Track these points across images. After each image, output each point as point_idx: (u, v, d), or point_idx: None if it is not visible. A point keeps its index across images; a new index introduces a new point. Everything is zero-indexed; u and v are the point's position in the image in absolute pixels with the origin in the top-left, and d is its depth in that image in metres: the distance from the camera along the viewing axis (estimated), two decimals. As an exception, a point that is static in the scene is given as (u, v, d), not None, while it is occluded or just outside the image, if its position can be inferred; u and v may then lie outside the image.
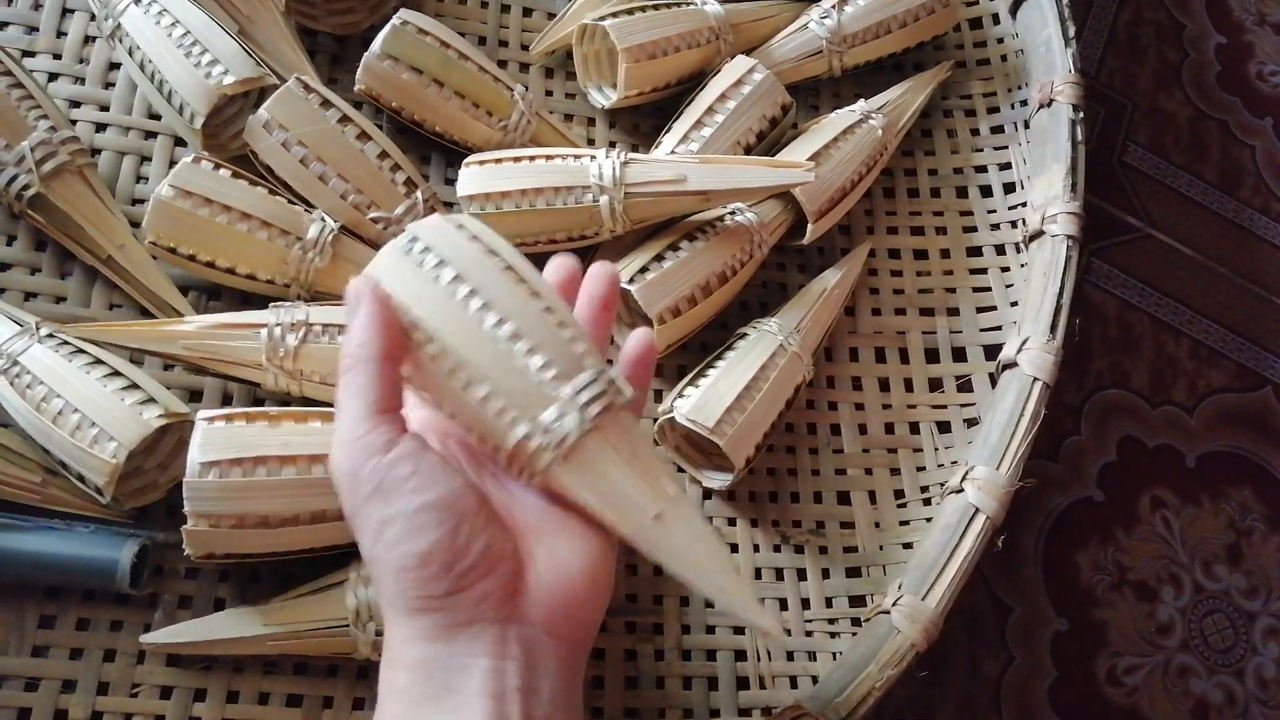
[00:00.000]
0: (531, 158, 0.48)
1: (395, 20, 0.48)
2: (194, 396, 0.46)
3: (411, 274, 0.30)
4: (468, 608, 0.29)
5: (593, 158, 0.47)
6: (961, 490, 0.46)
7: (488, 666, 0.29)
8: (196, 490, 0.38)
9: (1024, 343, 0.49)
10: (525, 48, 0.55)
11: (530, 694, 0.29)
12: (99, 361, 0.42)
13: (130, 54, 0.47)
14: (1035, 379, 0.48)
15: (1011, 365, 0.49)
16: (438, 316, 0.30)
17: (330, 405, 0.43)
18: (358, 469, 0.29)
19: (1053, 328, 0.49)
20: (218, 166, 0.45)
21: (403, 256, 0.31)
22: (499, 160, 0.48)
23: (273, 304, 0.44)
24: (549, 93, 0.55)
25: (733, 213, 0.49)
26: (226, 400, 0.46)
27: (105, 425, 0.40)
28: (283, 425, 0.40)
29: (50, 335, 0.42)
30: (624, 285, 0.45)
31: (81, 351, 0.42)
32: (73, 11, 0.51)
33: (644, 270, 0.46)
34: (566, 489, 0.30)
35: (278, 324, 0.43)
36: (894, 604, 0.44)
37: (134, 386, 0.41)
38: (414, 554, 0.28)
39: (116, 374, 0.42)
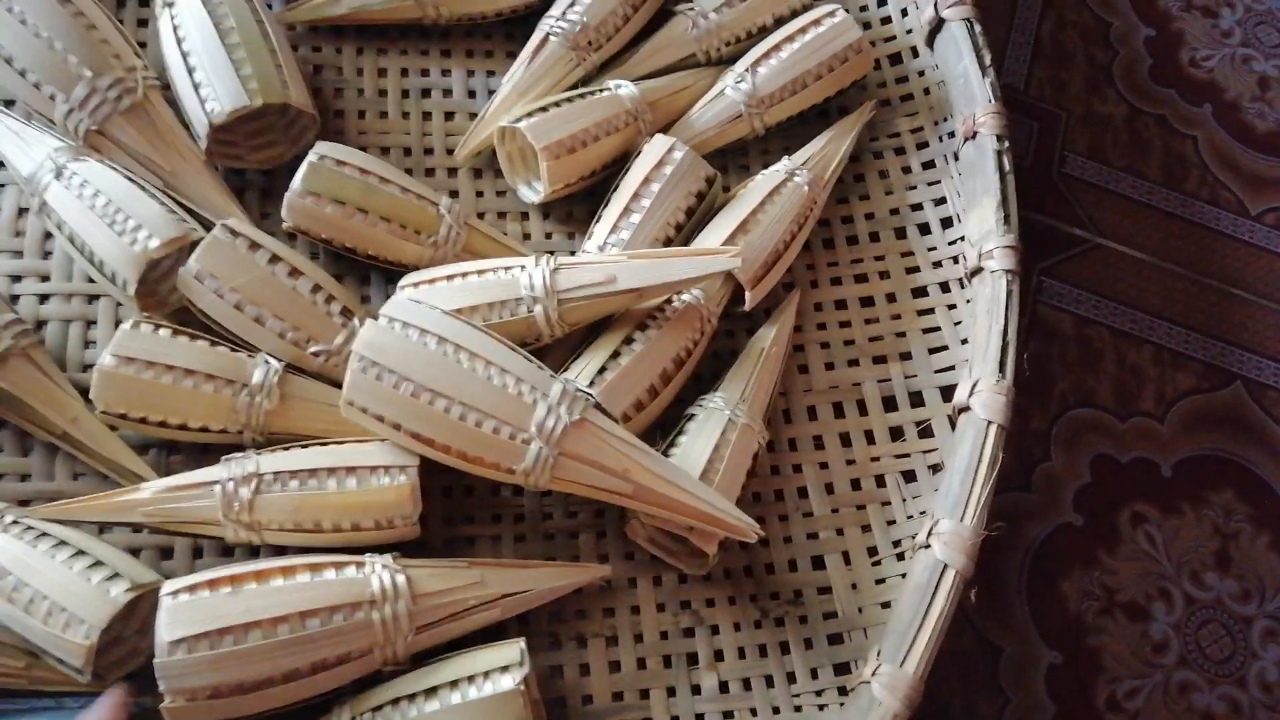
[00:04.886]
0: (464, 274, 0.48)
1: (312, 156, 0.49)
2: (165, 554, 0.47)
3: (399, 344, 0.41)
4: None
5: (523, 268, 0.47)
6: (929, 546, 0.46)
7: None
8: (168, 668, 0.38)
9: (974, 385, 0.49)
10: (450, 152, 0.56)
11: None
12: (63, 543, 0.43)
13: (59, 229, 0.48)
14: (990, 422, 0.48)
15: (965, 409, 0.49)
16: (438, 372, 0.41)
17: (295, 551, 0.44)
18: None
19: (1001, 367, 0.49)
20: (157, 327, 0.46)
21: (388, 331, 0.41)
22: (432, 280, 0.48)
23: (224, 458, 0.45)
24: (479, 193, 0.56)
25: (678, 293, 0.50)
26: (198, 553, 0.47)
27: (74, 609, 0.41)
28: (245, 588, 0.40)
29: (15, 522, 0.43)
30: (587, 391, 0.46)
31: (45, 535, 0.43)
32: (3, 186, 0.52)
33: (603, 371, 0.47)
34: (571, 466, 0.42)
35: (229, 479, 0.44)
36: (873, 674, 0.44)
37: (99, 564, 0.42)
38: None
39: (81, 553, 0.42)
